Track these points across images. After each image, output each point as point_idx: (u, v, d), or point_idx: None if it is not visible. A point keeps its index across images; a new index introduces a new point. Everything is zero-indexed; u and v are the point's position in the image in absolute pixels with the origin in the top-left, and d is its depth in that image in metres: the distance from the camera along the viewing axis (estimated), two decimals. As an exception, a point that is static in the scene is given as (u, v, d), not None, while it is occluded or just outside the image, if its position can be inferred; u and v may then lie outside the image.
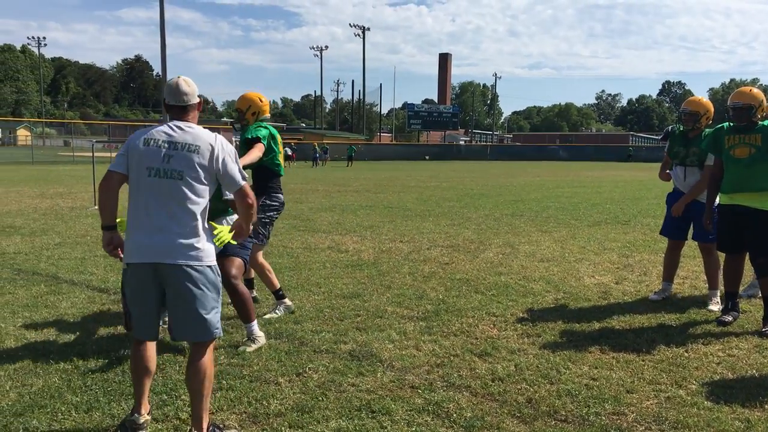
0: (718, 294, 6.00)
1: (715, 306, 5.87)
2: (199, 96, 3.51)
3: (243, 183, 3.38)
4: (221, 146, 3.34)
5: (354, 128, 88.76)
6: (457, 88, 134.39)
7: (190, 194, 3.24)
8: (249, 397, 3.82)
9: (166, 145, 3.28)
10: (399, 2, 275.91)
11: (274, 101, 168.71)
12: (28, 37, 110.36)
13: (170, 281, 3.19)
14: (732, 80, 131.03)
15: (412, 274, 7.33)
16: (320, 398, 3.81)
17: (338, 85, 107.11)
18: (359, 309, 5.79)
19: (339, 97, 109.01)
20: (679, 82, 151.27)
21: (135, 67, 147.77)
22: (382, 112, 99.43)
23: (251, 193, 3.40)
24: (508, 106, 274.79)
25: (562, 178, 30.34)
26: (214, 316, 3.26)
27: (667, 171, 6.28)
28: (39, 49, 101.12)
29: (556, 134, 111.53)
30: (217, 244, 3.62)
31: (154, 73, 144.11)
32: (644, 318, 5.57)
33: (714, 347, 4.79)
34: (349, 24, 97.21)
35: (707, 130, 5.91)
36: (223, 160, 3.32)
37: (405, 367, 4.34)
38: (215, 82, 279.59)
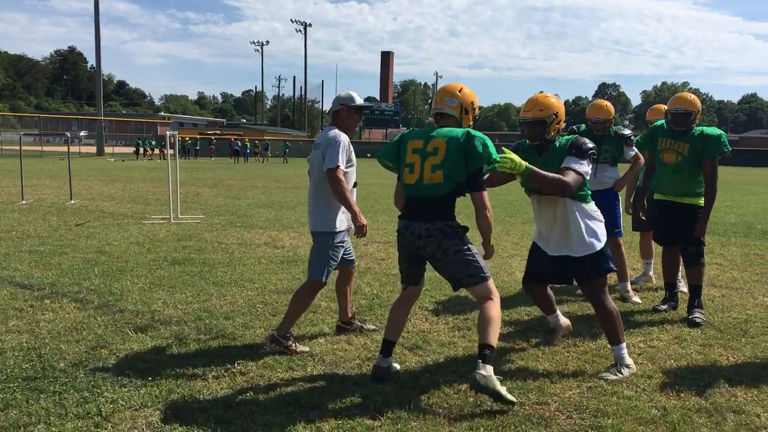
0: (629, 285, 6.32)
1: (636, 297, 6.19)
2: (342, 104, 4.60)
3: (330, 166, 4.32)
4: (325, 141, 4.44)
5: (296, 124, 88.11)
6: (399, 87, 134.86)
7: (318, 183, 4.52)
8: (176, 393, 3.75)
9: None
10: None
11: (213, 96, 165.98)
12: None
13: None
14: (663, 83, 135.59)
15: (347, 270, 7.33)
16: (248, 393, 3.78)
17: (279, 81, 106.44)
18: (292, 304, 5.74)
19: (280, 93, 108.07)
20: (614, 84, 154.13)
21: (68, 59, 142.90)
22: (324, 109, 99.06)
23: (332, 176, 4.33)
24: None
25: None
26: (315, 266, 4.51)
27: None
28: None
29: (496, 134, 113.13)
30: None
31: (89, 65, 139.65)
32: (570, 310, 5.72)
33: (636, 339, 4.96)
34: (291, 19, 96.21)
35: (615, 127, 6.17)
36: (323, 150, 4.41)
37: (336, 361, 4.34)
38: (153, 76, 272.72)
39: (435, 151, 3.82)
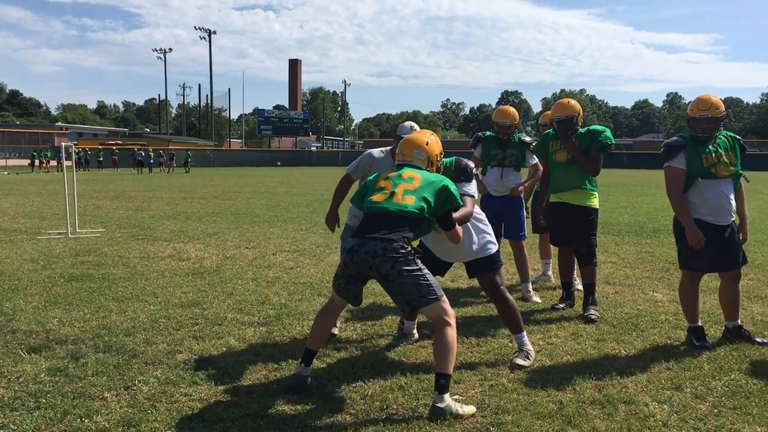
0: (531, 285, 6.58)
1: (536, 297, 6.43)
2: (397, 133, 4.99)
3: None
4: None
5: (202, 134, 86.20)
6: (307, 95, 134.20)
7: None
8: (71, 414, 3.60)
9: None
10: (246, 6, 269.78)
11: (115, 105, 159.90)
12: None
13: None
14: (562, 90, 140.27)
15: (255, 280, 7.25)
16: (149, 410, 3.67)
17: (184, 89, 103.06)
18: (197, 317, 5.64)
19: (186, 102, 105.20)
20: (516, 91, 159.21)
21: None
22: (231, 118, 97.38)
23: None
24: (358, 113, 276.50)
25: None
26: None
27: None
28: None
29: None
30: None
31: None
32: (474, 312, 5.88)
33: (535, 337, 5.14)
34: (194, 26, 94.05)
35: (518, 134, 6.47)
36: None
37: (242, 374, 4.28)
38: (49, 85, 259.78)
39: (410, 179, 3.94)
